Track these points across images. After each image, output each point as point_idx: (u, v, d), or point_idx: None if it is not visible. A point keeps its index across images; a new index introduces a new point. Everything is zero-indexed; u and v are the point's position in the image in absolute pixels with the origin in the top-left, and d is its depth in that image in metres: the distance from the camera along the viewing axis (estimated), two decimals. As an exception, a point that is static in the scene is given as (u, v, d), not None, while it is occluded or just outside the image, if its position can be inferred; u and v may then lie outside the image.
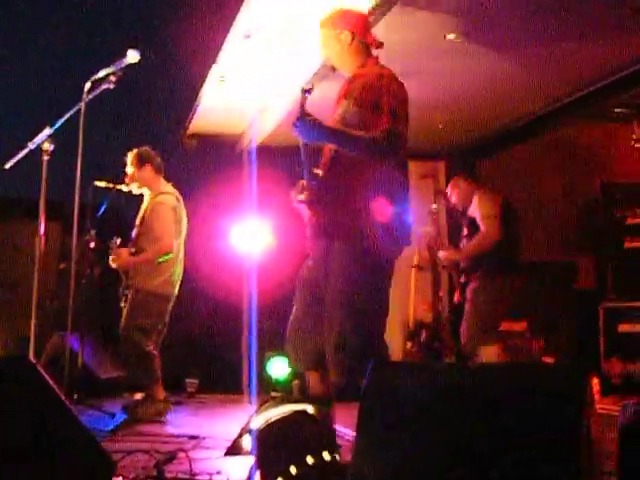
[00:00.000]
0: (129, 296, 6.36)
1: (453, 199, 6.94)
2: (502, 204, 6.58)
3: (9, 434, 2.54)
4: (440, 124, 8.60)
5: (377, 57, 4.21)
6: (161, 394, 6.29)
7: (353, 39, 4.13)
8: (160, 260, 6.32)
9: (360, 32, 4.17)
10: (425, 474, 2.62)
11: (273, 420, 2.78)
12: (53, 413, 2.68)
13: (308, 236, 4.18)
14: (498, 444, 2.53)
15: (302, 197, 4.01)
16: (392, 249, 4.03)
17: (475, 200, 6.67)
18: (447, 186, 7.12)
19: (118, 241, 6.38)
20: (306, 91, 4.00)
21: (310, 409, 2.91)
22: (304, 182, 4.02)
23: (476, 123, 8.48)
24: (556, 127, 8.34)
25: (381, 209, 3.91)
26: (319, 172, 4.06)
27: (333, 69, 4.26)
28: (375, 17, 5.48)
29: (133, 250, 6.40)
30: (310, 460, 2.64)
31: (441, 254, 6.96)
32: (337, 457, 2.71)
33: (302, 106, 3.95)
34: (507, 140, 8.86)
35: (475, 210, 6.62)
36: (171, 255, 6.36)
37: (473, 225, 6.62)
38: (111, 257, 6.35)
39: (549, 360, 7.63)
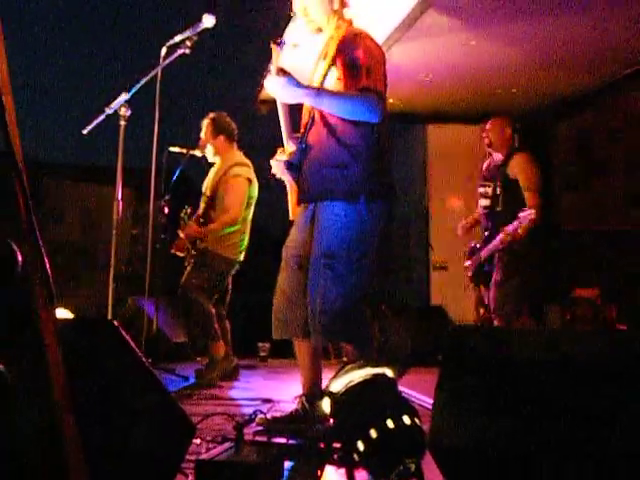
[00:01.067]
0: (194, 258, 6.43)
1: (489, 139, 6.41)
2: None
3: (91, 395, 2.57)
4: (513, 89, 8.49)
5: (351, 19, 4.11)
6: (221, 351, 6.34)
7: (342, 1, 4.07)
8: (226, 231, 6.37)
9: None
10: (506, 440, 2.60)
11: (353, 384, 2.78)
12: (135, 375, 2.71)
13: (292, 202, 4.12)
14: (578, 412, 2.50)
15: (285, 158, 3.98)
16: (377, 207, 3.91)
17: (520, 162, 6.23)
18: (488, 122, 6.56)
19: (189, 210, 6.44)
20: (277, 44, 3.95)
21: (389, 372, 2.90)
22: (283, 148, 4.01)
23: (550, 87, 8.35)
24: (630, 92, 8.16)
25: (365, 166, 3.85)
26: (299, 135, 4.01)
27: (319, 31, 4.10)
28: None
29: (202, 220, 6.46)
30: (391, 424, 2.63)
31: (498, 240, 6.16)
32: (417, 421, 2.69)
33: (279, 66, 3.87)
34: (579, 106, 8.70)
35: (519, 173, 6.19)
36: (237, 227, 6.40)
37: (508, 185, 6.23)
38: (180, 228, 6.43)
39: (621, 328, 7.52)
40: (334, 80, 3.85)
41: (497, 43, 7.00)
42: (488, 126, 6.42)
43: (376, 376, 2.83)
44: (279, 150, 4.04)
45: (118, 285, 4.91)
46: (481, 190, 6.41)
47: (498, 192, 6.26)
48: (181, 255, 6.51)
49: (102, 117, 4.79)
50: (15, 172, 1.94)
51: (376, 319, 8.25)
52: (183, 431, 2.77)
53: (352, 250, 3.85)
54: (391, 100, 9.13)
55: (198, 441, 3.44)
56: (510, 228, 5.81)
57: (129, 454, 2.60)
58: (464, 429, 2.67)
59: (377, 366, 2.87)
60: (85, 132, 4.81)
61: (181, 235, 6.45)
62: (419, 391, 5.18)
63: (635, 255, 8.16)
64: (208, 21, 4.98)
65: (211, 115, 6.61)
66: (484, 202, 6.37)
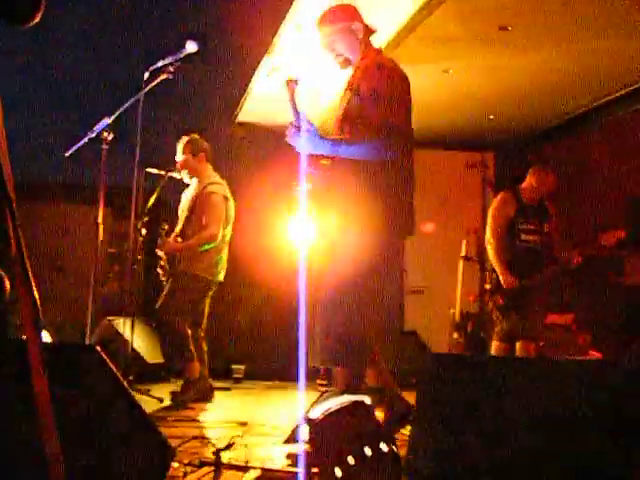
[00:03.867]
0: (171, 279, 6.45)
1: (537, 185, 6.70)
2: None
3: (73, 419, 2.60)
4: (491, 115, 8.59)
5: (380, 48, 4.21)
6: (197, 373, 6.35)
7: (364, 28, 4.15)
8: (204, 248, 6.40)
9: (363, 22, 4.17)
10: (480, 467, 2.65)
11: (331, 411, 2.82)
12: (116, 400, 2.74)
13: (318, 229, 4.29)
14: (553, 438, 2.55)
15: (309, 187, 4.11)
16: (390, 238, 4.03)
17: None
18: (528, 173, 6.83)
19: (166, 227, 6.45)
20: (292, 82, 4.02)
21: (367, 400, 2.95)
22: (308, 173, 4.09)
23: (526, 115, 8.46)
24: (604, 120, 8.28)
25: (381, 197, 3.92)
26: (326, 162, 4.06)
27: (347, 63, 4.16)
28: (432, 6, 5.51)
29: (179, 239, 6.48)
30: (368, 451, 2.67)
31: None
32: (394, 448, 2.74)
33: (294, 103, 3.96)
34: (556, 132, 8.82)
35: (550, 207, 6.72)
36: (214, 244, 6.43)
37: (547, 220, 6.69)
38: (158, 244, 6.44)
39: (596, 355, 7.59)
40: (356, 112, 3.93)
41: (474, 73, 7.10)
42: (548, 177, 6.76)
43: (354, 403, 2.87)
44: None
45: (96, 306, 4.93)
46: (528, 227, 6.66)
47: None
48: (162, 277, 6.52)
49: (84, 140, 4.82)
50: (5, 200, 1.97)
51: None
52: (163, 455, 2.80)
53: (359, 279, 3.93)
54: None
55: (176, 465, 3.47)
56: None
57: (110, 477, 2.63)
58: (440, 456, 2.72)
59: (355, 393, 2.92)
60: (67, 155, 4.84)
61: (159, 254, 6.46)
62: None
63: (605, 282, 8.26)
64: (191, 47, 5.04)
65: (188, 136, 6.64)
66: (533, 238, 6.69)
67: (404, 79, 3.99)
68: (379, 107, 3.80)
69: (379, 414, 3.56)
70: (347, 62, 4.15)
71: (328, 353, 3.95)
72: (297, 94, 4.00)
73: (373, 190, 3.90)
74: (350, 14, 4.15)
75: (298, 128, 3.89)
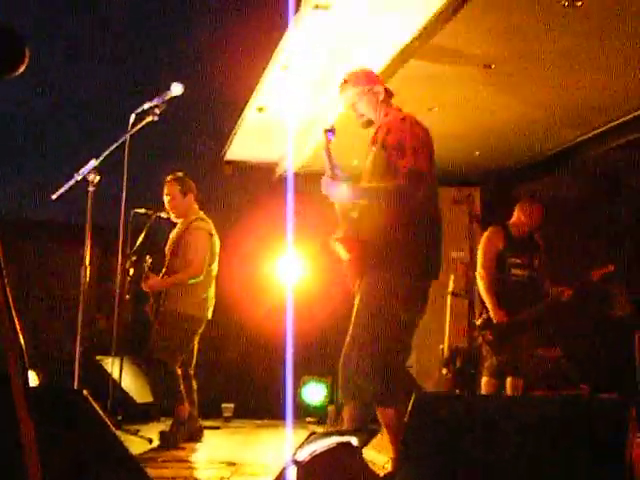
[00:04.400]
0: (159, 318, 6.45)
1: (525, 218, 6.83)
2: None
3: (60, 463, 2.59)
4: (476, 151, 8.65)
5: (398, 107, 4.40)
6: (186, 413, 6.34)
7: (384, 91, 4.39)
8: (190, 284, 6.41)
9: (383, 84, 4.46)
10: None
11: (318, 452, 2.83)
12: (104, 445, 2.74)
13: (348, 274, 4.29)
14: (538, 476, 2.56)
15: (338, 236, 4.24)
16: (417, 282, 4.16)
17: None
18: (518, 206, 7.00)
19: (150, 261, 6.45)
20: (328, 131, 4.31)
21: (354, 441, 2.96)
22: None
23: (512, 151, 8.51)
24: (590, 155, 8.33)
25: (408, 242, 4.07)
26: (354, 214, 4.25)
27: (370, 123, 4.38)
28: (414, 47, 5.58)
29: (164, 275, 6.49)
30: (355, 492, 2.68)
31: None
32: (381, 489, 2.75)
33: (329, 153, 4.28)
34: (542, 167, 8.87)
35: (539, 240, 6.86)
36: (200, 279, 6.44)
37: (537, 254, 6.79)
38: (143, 279, 6.45)
39: (585, 388, 7.60)
40: (384, 164, 4.11)
41: (459, 110, 7.15)
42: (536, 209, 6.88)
43: (341, 445, 2.89)
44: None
45: (84, 345, 4.93)
46: (516, 261, 6.69)
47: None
48: (150, 316, 6.52)
49: (71, 183, 4.83)
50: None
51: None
52: (150, 499, 2.81)
53: (385, 315, 4.05)
54: (355, 162, 9.25)
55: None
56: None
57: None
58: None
59: (342, 435, 2.93)
60: (54, 197, 4.86)
61: (144, 288, 6.46)
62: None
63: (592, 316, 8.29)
64: (176, 89, 5.07)
65: (175, 175, 6.66)
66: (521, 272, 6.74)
67: (426, 130, 4.22)
68: (405, 156, 4.02)
69: (368, 453, 3.57)
70: (369, 123, 4.39)
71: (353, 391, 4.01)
72: (332, 144, 4.33)
73: (401, 234, 4.08)
74: (371, 78, 4.43)
75: (333, 178, 4.17)
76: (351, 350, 4.03)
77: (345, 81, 4.41)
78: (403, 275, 4.06)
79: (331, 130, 4.32)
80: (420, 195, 4.03)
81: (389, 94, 4.42)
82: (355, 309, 4.17)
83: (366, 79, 4.39)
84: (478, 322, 6.69)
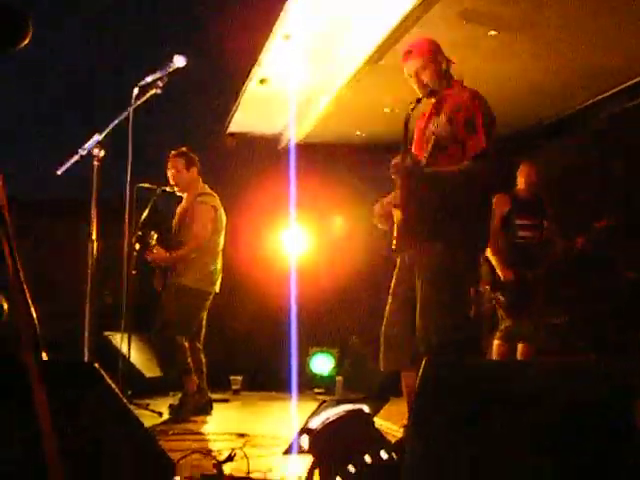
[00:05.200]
0: (166, 292, 6.46)
1: (525, 180, 6.88)
2: None
3: (73, 436, 2.60)
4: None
5: (461, 79, 4.42)
6: (194, 386, 6.36)
7: (448, 62, 4.38)
8: (194, 258, 6.42)
9: (445, 56, 4.42)
10: (480, 474, 2.66)
11: (331, 420, 2.83)
12: (116, 416, 2.75)
13: (398, 236, 4.28)
14: (553, 445, 2.56)
15: (395, 202, 4.22)
16: (477, 249, 4.35)
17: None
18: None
19: (155, 236, 6.44)
20: (417, 100, 4.29)
21: (366, 408, 2.96)
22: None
23: (511, 118, 8.47)
24: (592, 122, 8.30)
25: (471, 216, 4.15)
26: (423, 160, 4.21)
27: (432, 93, 4.34)
28: (417, 14, 5.54)
29: (171, 250, 6.49)
30: (368, 459, 2.68)
31: None
32: (394, 455, 2.75)
33: (406, 140, 4.22)
34: (544, 135, 8.84)
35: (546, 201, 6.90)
36: (208, 255, 6.47)
37: (545, 217, 6.86)
38: (147, 254, 6.45)
39: (589, 357, 7.61)
40: (451, 136, 4.15)
41: (462, 79, 7.11)
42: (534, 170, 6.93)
43: (353, 412, 2.89)
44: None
45: (92, 321, 4.93)
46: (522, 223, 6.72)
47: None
48: (157, 289, 6.53)
49: (76, 158, 4.81)
50: (1, 222, 1.98)
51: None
52: (163, 469, 2.81)
53: (455, 285, 4.14)
54: (358, 132, 9.23)
55: (177, 478, 3.47)
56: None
57: (112, 494, 2.64)
58: (437, 461, 2.73)
59: (353, 402, 2.93)
60: (59, 173, 4.84)
61: (149, 261, 6.47)
62: (394, 422, 5.23)
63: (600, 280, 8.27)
64: (179, 61, 5.04)
65: (179, 150, 6.65)
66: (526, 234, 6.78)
67: (491, 109, 4.24)
68: (475, 136, 4.09)
69: (378, 421, 3.57)
70: (432, 93, 4.34)
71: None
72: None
73: (466, 208, 4.13)
74: (435, 47, 4.39)
75: (403, 158, 4.14)
76: (425, 324, 4.10)
77: (409, 51, 4.38)
78: (464, 247, 4.14)
79: (419, 100, 4.31)
80: (486, 173, 4.11)
81: (450, 63, 4.41)
82: (419, 283, 4.18)
83: (430, 49, 4.36)
84: (487, 287, 6.67)
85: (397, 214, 4.21)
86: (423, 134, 4.34)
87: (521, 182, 6.82)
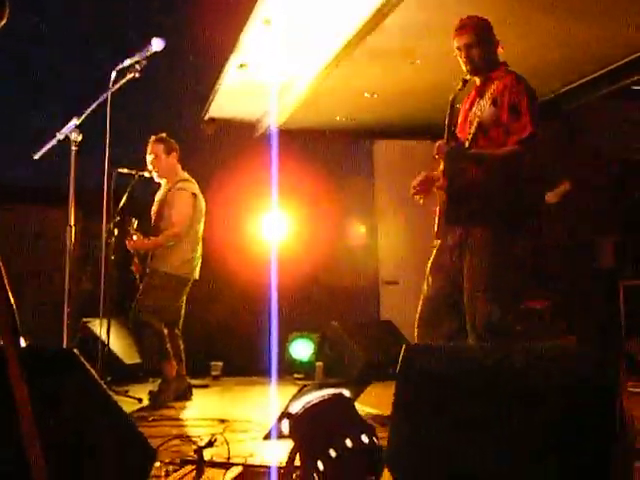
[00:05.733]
0: (145, 278, 6.44)
1: None
2: None
3: (53, 423, 2.59)
4: (459, 104, 8.62)
5: (505, 62, 4.41)
6: (173, 371, 6.35)
7: (497, 43, 4.39)
8: (172, 245, 6.40)
9: (496, 37, 4.41)
10: (459, 456, 2.67)
11: (311, 404, 2.82)
12: (96, 403, 2.74)
13: (440, 220, 4.33)
14: (533, 429, 2.57)
15: (439, 184, 4.32)
16: (526, 236, 4.32)
17: None
18: None
19: (135, 223, 6.42)
20: (464, 81, 4.34)
21: (346, 392, 2.96)
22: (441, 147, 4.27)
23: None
24: (573, 107, 8.33)
25: (523, 197, 4.23)
26: (465, 142, 4.26)
27: (477, 71, 4.34)
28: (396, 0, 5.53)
29: (150, 237, 6.47)
30: (349, 443, 2.68)
31: None
32: (375, 439, 2.75)
33: (450, 123, 4.30)
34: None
35: None
36: (181, 237, 6.43)
37: None
38: (127, 240, 6.43)
39: (570, 340, 7.65)
40: (494, 119, 4.17)
41: (442, 62, 7.10)
42: None
43: (334, 396, 2.88)
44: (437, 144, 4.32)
45: (71, 308, 4.90)
46: None
47: None
48: (135, 275, 6.51)
49: (53, 142, 4.76)
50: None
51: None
52: (144, 455, 2.80)
53: (506, 270, 4.20)
54: (337, 117, 9.22)
55: (157, 464, 3.46)
56: None
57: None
58: (420, 445, 2.73)
59: (334, 387, 2.93)
60: (36, 157, 4.79)
61: (129, 248, 6.45)
62: (374, 406, 5.24)
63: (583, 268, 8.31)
64: (157, 44, 4.99)
65: (159, 136, 6.63)
66: None
67: (534, 90, 4.25)
68: (521, 120, 4.11)
69: (359, 406, 3.57)
70: (476, 71, 4.34)
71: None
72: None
73: (513, 191, 4.21)
74: (489, 26, 4.37)
75: (448, 141, 4.22)
76: (471, 309, 4.16)
77: (464, 24, 4.35)
78: (509, 231, 4.18)
79: (465, 81, 4.33)
80: (530, 157, 4.15)
81: (499, 46, 4.41)
82: (466, 266, 4.22)
83: (485, 27, 4.35)
84: None
85: (441, 195, 4.26)
86: (467, 116, 4.36)
87: None
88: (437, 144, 4.24)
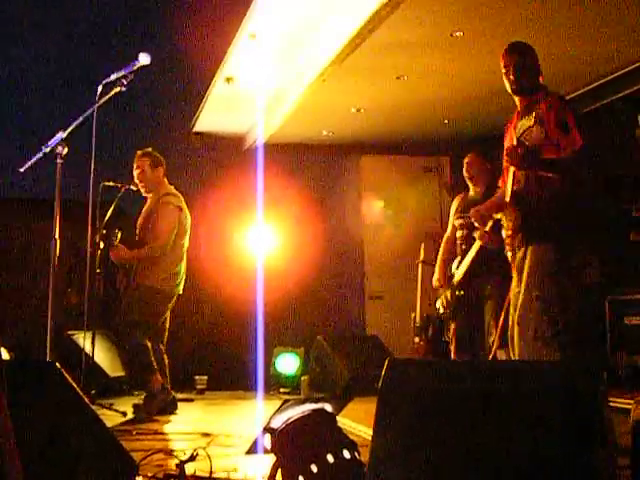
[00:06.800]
0: (129, 292, 6.43)
1: (469, 173, 6.47)
2: None
3: (35, 436, 2.58)
4: (445, 120, 8.66)
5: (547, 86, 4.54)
6: (158, 385, 6.34)
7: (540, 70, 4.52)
8: (157, 257, 6.40)
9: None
10: (444, 475, 2.67)
11: (293, 419, 2.83)
12: (76, 415, 2.73)
13: (513, 233, 4.42)
14: (515, 444, 2.57)
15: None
16: (585, 254, 4.37)
17: None
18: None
19: (119, 234, 6.41)
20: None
21: (328, 407, 2.96)
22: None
23: (480, 118, 8.52)
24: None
25: (577, 214, 4.28)
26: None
27: (520, 92, 4.46)
28: (383, 15, 5.55)
29: (134, 249, 6.46)
30: (330, 458, 2.68)
31: None
32: (357, 455, 2.76)
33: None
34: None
35: None
36: (166, 249, 6.42)
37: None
38: (110, 251, 6.42)
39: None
40: (543, 137, 4.27)
41: (428, 78, 7.15)
42: (467, 160, 6.53)
43: (315, 411, 2.89)
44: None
45: (56, 320, 4.89)
46: (459, 222, 6.44)
47: None
48: (120, 288, 6.50)
49: (39, 155, 4.77)
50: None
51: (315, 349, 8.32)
52: (126, 469, 2.80)
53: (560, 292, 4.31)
54: (324, 132, 9.25)
55: (139, 478, 3.45)
56: None
57: (72, 494, 2.62)
58: (402, 462, 2.73)
59: (316, 402, 2.93)
60: (22, 170, 4.80)
61: (112, 258, 6.44)
62: (358, 422, 5.23)
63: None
64: (144, 59, 5.01)
65: (145, 150, 6.63)
66: (461, 233, 6.44)
67: (577, 109, 4.47)
68: (570, 135, 4.19)
69: (342, 421, 3.58)
70: (520, 91, 4.48)
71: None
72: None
73: (572, 208, 4.28)
74: (535, 54, 4.51)
75: (519, 150, 4.22)
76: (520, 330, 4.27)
77: (515, 45, 4.52)
78: (575, 250, 4.28)
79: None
80: (586, 170, 4.25)
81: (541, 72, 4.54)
82: (526, 280, 4.27)
83: (533, 52, 4.49)
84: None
85: (509, 212, 4.40)
86: (511, 137, 4.46)
87: (472, 173, 6.46)
88: (507, 146, 4.35)
